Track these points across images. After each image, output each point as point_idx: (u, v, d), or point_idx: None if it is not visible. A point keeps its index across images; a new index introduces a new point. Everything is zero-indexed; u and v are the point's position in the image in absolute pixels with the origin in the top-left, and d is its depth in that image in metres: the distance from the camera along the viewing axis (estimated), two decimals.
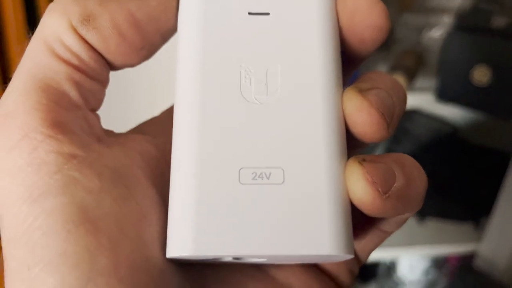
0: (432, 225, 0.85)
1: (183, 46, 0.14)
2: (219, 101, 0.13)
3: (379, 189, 0.13)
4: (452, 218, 0.85)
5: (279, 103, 0.13)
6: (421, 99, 0.66)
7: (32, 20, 0.62)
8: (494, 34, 0.58)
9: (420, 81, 0.66)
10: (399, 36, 0.69)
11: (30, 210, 0.12)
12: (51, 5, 0.14)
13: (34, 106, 0.13)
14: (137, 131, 0.16)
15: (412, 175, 0.14)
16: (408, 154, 0.66)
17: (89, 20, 0.14)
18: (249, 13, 0.14)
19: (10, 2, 0.58)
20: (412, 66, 0.64)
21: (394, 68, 0.63)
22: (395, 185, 0.13)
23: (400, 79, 0.62)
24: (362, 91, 0.14)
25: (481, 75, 0.59)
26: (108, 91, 0.16)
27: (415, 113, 0.88)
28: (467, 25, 0.60)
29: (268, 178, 0.13)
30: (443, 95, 0.63)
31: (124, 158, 0.14)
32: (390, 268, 0.94)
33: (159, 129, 0.16)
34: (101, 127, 0.15)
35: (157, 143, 0.15)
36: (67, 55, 0.14)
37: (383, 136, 0.14)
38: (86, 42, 0.14)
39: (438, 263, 0.93)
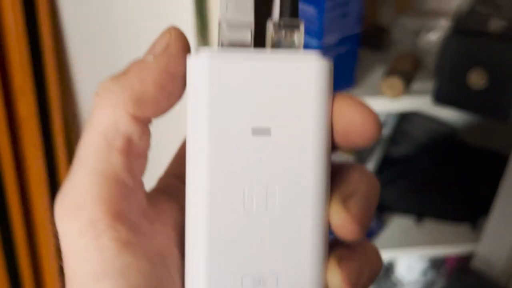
0: (430, 225, 0.85)
1: (192, 159, 0.16)
2: (225, 214, 0.16)
3: (354, 285, 0.17)
4: (450, 219, 0.85)
5: (276, 216, 0.16)
6: (419, 102, 0.66)
7: (31, 24, 0.62)
8: (491, 37, 0.58)
9: (418, 84, 0.66)
10: (396, 39, 0.70)
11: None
12: (99, 100, 0.16)
13: (99, 200, 0.15)
14: (162, 191, 0.18)
15: (376, 267, 0.18)
16: (407, 155, 0.66)
17: (140, 98, 0.16)
18: (253, 132, 0.16)
19: (10, 5, 0.58)
20: (409, 70, 0.64)
21: (391, 72, 0.63)
22: (364, 279, 0.17)
23: (398, 82, 0.62)
24: (345, 202, 0.16)
25: (478, 78, 0.59)
26: None
27: (413, 115, 0.89)
28: (464, 28, 0.60)
29: (265, 284, 0.16)
30: (440, 98, 0.63)
31: (164, 238, 0.17)
32: (388, 268, 0.95)
33: (179, 187, 0.18)
34: (145, 198, 0.17)
35: (182, 206, 0.17)
36: (124, 144, 0.16)
37: (357, 239, 0.17)
38: (140, 121, 0.16)
39: (436, 264, 0.93)
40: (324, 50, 0.61)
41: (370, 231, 0.83)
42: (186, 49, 0.17)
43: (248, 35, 0.17)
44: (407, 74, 0.63)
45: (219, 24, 0.17)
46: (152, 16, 0.62)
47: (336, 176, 0.17)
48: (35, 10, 0.61)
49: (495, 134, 0.87)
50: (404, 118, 0.88)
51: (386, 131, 0.88)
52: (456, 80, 0.60)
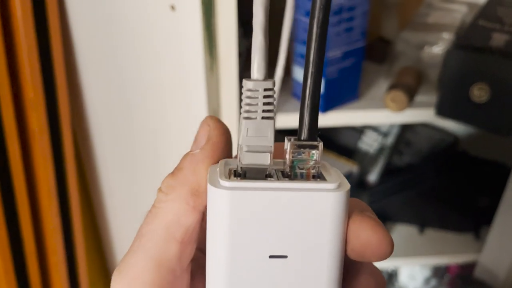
0: (433, 235, 0.86)
1: (211, 275, 0.18)
2: None
3: None
4: (452, 229, 0.86)
5: None
6: (422, 115, 0.67)
7: (42, 39, 0.63)
8: (493, 52, 0.59)
9: (421, 97, 0.67)
10: (399, 52, 0.71)
11: None
12: (163, 196, 0.18)
13: (150, 285, 0.17)
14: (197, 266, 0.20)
15: None
16: (410, 165, 0.67)
17: (197, 189, 0.18)
18: (270, 256, 0.17)
19: (21, 21, 0.59)
20: (413, 83, 0.65)
21: (394, 86, 0.64)
22: None
23: (401, 96, 0.63)
24: None
25: (480, 92, 0.60)
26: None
27: (416, 126, 0.89)
28: (467, 42, 0.61)
29: None
30: (443, 111, 0.64)
31: None
32: (392, 276, 0.95)
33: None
34: (189, 281, 0.19)
35: None
36: (182, 234, 0.18)
37: None
38: (198, 210, 0.18)
39: (439, 273, 0.94)
40: (329, 63, 0.62)
41: None
42: (226, 134, 0.19)
43: (267, 158, 0.17)
44: (410, 88, 0.64)
45: (239, 147, 0.17)
46: (161, 32, 0.63)
47: (345, 278, 0.18)
48: (46, 26, 0.63)
49: (497, 144, 0.88)
50: (407, 128, 0.89)
51: (390, 141, 0.89)
52: (459, 93, 0.61)
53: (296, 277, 0.17)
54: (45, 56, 0.64)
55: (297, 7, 0.62)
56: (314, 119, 0.18)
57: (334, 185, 0.17)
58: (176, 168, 0.19)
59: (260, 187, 0.17)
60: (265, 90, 0.17)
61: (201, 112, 0.63)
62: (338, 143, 0.90)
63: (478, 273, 0.82)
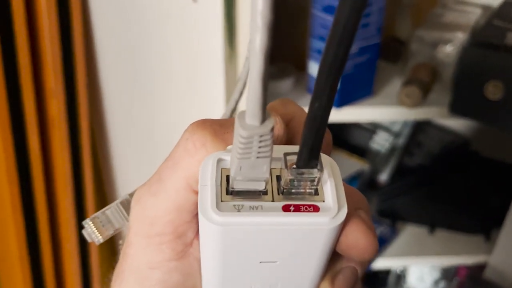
0: (443, 235, 0.86)
1: (206, 266, 0.19)
2: None
3: None
4: (462, 230, 0.86)
5: None
6: (435, 112, 0.68)
7: (64, 31, 0.64)
8: (508, 50, 0.60)
9: (435, 95, 0.67)
10: (414, 51, 0.71)
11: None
12: (192, 150, 0.18)
13: (169, 224, 0.19)
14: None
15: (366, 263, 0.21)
16: (420, 165, 0.68)
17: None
18: (260, 262, 0.18)
19: (46, 13, 0.61)
20: (427, 80, 0.66)
21: (409, 82, 0.65)
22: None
23: (416, 91, 0.63)
24: (332, 282, 0.19)
25: (494, 90, 0.61)
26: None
27: (427, 126, 0.90)
28: (481, 41, 0.62)
29: None
30: (457, 109, 0.64)
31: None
32: (400, 277, 0.95)
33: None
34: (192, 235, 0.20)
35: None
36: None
37: None
38: None
39: (448, 274, 0.93)
40: None
41: (383, 239, 0.84)
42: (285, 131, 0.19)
43: (262, 185, 0.17)
44: (425, 84, 0.65)
45: (232, 177, 0.17)
46: (182, 23, 0.65)
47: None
48: (69, 18, 0.64)
49: (508, 146, 0.88)
50: (418, 129, 0.90)
51: (401, 142, 0.90)
52: (473, 91, 0.62)
53: (284, 274, 0.18)
54: (66, 47, 0.65)
55: (313, 2, 0.63)
56: (318, 142, 0.16)
57: (328, 218, 0.16)
58: (218, 124, 0.18)
59: (252, 222, 0.16)
60: (261, 136, 0.15)
61: (219, 103, 0.64)
62: (350, 142, 0.91)
63: (488, 274, 0.82)
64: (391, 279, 0.96)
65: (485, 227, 0.85)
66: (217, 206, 0.16)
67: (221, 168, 0.17)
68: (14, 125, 0.62)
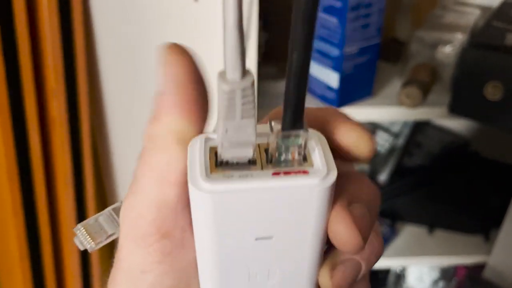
0: (442, 235, 0.87)
1: (201, 250, 0.18)
2: (233, 281, 0.19)
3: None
4: (462, 230, 0.86)
5: (277, 283, 0.19)
6: (435, 113, 0.68)
7: (65, 30, 0.65)
8: (507, 51, 0.60)
9: (434, 95, 0.68)
10: (413, 52, 0.72)
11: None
12: (150, 144, 0.18)
13: (153, 224, 0.18)
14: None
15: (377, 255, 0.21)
16: (420, 166, 0.68)
17: (181, 136, 0.18)
18: (256, 239, 0.18)
19: (47, 13, 0.61)
20: (427, 80, 0.66)
21: (409, 82, 0.65)
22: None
23: (416, 92, 0.64)
24: (332, 268, 0.19)
25: (493, 90, 0.61)
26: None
27: (427, 126, 0.90)
28: (481, 42, 0.62)
29: None
30: (457, 109, 0.64)
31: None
32: (400, 277, 0.96)
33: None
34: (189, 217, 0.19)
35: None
36: (176, 177, 0.18)
37: (359, 249, 0.18)
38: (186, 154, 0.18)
39: (447, 274, 0.94)
40: (345, 59, 0.63)
41: (383, 238, 0.84)
42: (191, 67, 0.18)
43: (250, 152, 0.17)
44: (424, 84, 0.65)
45: (219, 143, 0.16)
46: (183, 23, 0.65)
47: (339, 186, 0.18)
48: (70, 18, 0.64)
49: (507, 146, 0.88)
50: (418, 130, 0.90)
51: (400, 142, 0.90)
52: (473, 91, 0.62)
53: (281, 252, 0.18)
54: (67, 47, 0.65)
55: None
56: (300, 104, 0.16)
57: (318, 179, 0.16)
58: (153, 116, 0.18)
59: (242, 188, 0.16)
60: (243, 90, 0.15)
61: None
62: None
63: (487, 274, 0.82)
64: (390, 279, 0.96)
65: (484, 227, 0.85)
66: (207, 176, 0.16)
67: (209, 146, 0.17)
68: (15, 124, 0.62)
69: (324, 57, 0.65)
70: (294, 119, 0.16)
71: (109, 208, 0.23)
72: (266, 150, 0.17)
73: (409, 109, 0.66)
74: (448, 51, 0.70)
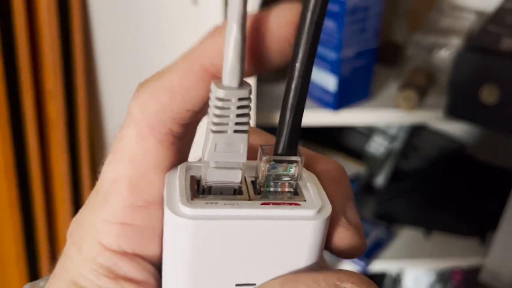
0: (439, 238, 0.87)
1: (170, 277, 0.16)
2: None
3: None
4: (458, 233, 0.87)
5: None
6: (431, 116, 0.69)
7: (64, 32, 0.65)
8: (502, 56, 0.61)
9: (431, 98, 0.68)
10: (410, 55, 0.72)
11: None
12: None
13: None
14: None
15: None
16: (416, 169, 0.68)
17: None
18: (237, 285, 0.15)
19: (46, 14, 0.61)
20: (424, 84, 0.67)
21: (406, 85, 0.66)
22: None
23: (413, 95, 0.64)
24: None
25: (489, 94, 0.62)
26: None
27: (423, 130, 0.91)
28: (476, 46, 0.63)
29: None
30: (453, 112, 0.65)
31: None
32: (396, 280, 0.96)
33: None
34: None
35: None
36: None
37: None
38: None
39: (444, 277, 0.94)
40: (342, 62, 0.64)
41: (379, 242, 0.85)
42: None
43: (238, 176, 0.15)
44: (421, 88, 0.66)
45: (205, 162, 0.15)
46: (182, 26, 0.65)
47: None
48: (69, 20, 0.65)
49: (503, 150, 0.89)
50: (414, 133, 0.91)
51: (397, 146, 0.91)
52: (469, 95, 0.63)
53: None
54: (66, 49, 0.66)
55: None
56: (296, 129, 0.15)
57: (314, 211, 0.15)
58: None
59: (227, 215, 0.14)
60: (239, 100, 0.14)
61: None
62: (346, 145, 0.91)
63: (483, 277, 0.82)
64: (387, 282, 0.97)
65: (480, 230, 0.86)
66: (187, 201, 0.14)
67: (190, 175, 0.16)
68: (13, 126, 0.63)
69: (322, 60, 0.65)
70: (290, 144, 0.15)
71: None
72: (253, 182, 0.16)
73: (406, 112, 0.67)
74: (445, 55, 0.70)
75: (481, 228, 0.86)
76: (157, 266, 0.17)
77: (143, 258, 0.16)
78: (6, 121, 0.62)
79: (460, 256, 0.84)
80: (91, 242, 0.16)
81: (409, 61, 0.73)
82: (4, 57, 0.59)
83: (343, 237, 0.16)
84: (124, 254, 0.16)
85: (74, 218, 0.17)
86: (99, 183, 0.17)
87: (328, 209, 0.15)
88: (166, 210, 0.14)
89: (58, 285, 0.16)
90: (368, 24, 0.64)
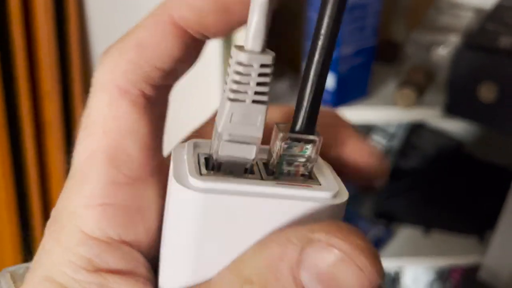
0: (438, 237, 0.87)
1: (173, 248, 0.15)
2: None
3: None
4: (457, 231, 0.87)
5: None
6: (429, 114, 0.68)
7: (61, 35, 0.64)
8: (500, 53, 0.61)
9: (429, 96, 0.68)
10: (409, 53, 0.72)
11: None
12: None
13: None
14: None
15: None
16: (415, 168, 0.68)
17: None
18: None
19: (43, 17, 0.61)
20: (422, 82, 0.66)
21: (404, 83, 0.66)
22: None
23: (411, 93, 0.64)
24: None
25: (487, 91, 0.61)
26: None
27: (421, 129, 0.91)
28: (475, 44, 0.63)
29: None
30: (451, 110, 0.65)
31: None
32: (395, 279, 0.96)
33: None
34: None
35: None
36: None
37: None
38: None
39: (443, 275, 0.94)
40: (341, 60, 0.63)
41: (378, 240, 0.85)
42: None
43: (252, 152, 0.14)
44: (420, 86, 0.65)
45: (219, 134, 0.14)
46: None
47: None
48: (65, 21, 0.64)
49: (501, 148, 0.89)
50: (413, 132, 0.90)
51: (395, 144, 0.91)
52: (467, 92, 0.63)
53: None
54: (62, 50, 0.65)
55: (309, 5, 0.63)
56: (316, 104, 0.14)
57: (331, 193, 0.14)
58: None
59: (240, 191, 0.13)
60: (261, 66, 0.13)
61: (217, 102, 0.64)
62: None
63: (482, 275, 0.82)
64: (386, 280, 0.97)
65: (479, 228, 0.86)
66: (197, 173, 0.13)
67: (198, 153, 0.15)
68: (9, 128, 0.62)
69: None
70: (309, 121, 0.14)
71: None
72: (265, 164, 0.15)
73: (404, 110, 0.67)
74: (443, 53, 0.70)
75: (479, 226, 0.86)
76: (145, 254, 0.15)
77: (129, 244, 0.15)
78: (3, 123, 0.61)
79: (459, 254, 0.84)
80: (71, 230, 0.15)
81: (407, 59, 0.72)
82: (1, 58, 0.59)
83: (363, 153, 0.16)
84: (108, 242, 0.15)
85: (52, 211, 0.16)
86: (73, 167, 0.15)
87: (344, 195, 0.14)
88: (173, 182, 0.13)
89: (32, 282, 0.15)
90: (367, 22, 0.64)
